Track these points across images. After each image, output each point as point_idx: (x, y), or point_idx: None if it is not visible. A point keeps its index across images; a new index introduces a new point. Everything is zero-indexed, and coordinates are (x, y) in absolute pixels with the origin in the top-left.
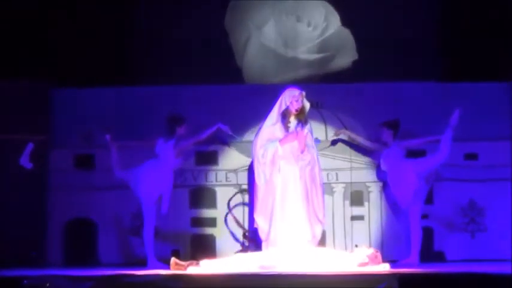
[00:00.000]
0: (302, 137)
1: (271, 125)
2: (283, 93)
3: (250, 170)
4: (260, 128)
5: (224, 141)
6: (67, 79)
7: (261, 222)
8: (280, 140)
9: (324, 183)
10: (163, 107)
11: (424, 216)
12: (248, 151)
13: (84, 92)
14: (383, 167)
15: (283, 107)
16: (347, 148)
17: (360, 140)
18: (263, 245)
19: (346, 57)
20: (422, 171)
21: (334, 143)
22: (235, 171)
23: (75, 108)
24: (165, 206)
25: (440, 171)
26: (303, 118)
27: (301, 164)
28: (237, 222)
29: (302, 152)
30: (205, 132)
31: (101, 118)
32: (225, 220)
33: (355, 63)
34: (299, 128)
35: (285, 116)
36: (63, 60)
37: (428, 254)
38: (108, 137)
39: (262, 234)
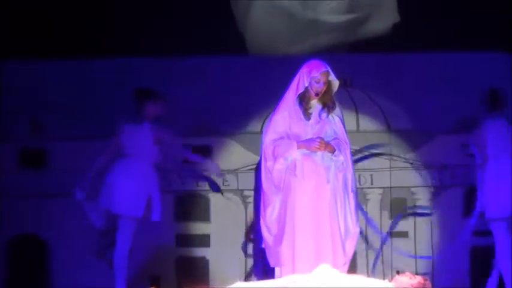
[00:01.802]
0: (329, 147)
1: (286, 111)
2: (301, 70)
3: (257, 171)
4: (272, 116)
5: (213, 186)
6: (11, 49)
7: (270, 241)
8: (299, 142)
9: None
10: (140, 86)
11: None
12: (253, 145)
13: (33, 65)
14: (472, 149)
15: (301, 89)
16: (386, 140)
17: None
18: (276, 271)
19: (384, 20)
20: None
21: None
22: (235, 171)
23: (22, 87)
24: (157, 211)
25: None
26: (329, 101)
27: (330, 165)
28: None
29: (333, 152)
30: (189, 154)
31: (57, 100)
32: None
33: (395, 27)
34: (324, 115)
35: (303, 99)
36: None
37: None
38: (79, 195)
39: (271, 257)
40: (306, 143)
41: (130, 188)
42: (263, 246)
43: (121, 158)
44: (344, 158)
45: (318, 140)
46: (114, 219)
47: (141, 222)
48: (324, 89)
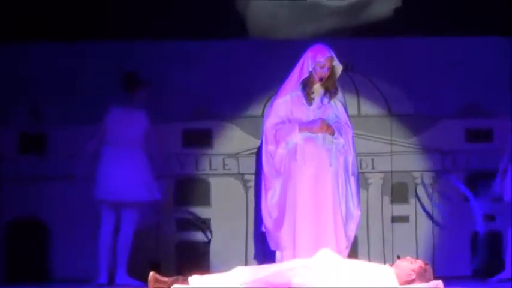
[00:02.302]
0: (330, 129)
1: (288, 95)
2: (305, 55)
3: (258, 155)
4: (274, 99)
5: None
6: (10, 33)
7: (270, 224)
8: (300, 125)
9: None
10: (135, 69)
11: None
12: (253, 129)
13: (33, 50)
14: None
15: (305, 74)
16: (387, 125)
17: None
18: (276, 255)
19: (386, 4)
20: None
21: None
22: (236, 156)
23: (21, 71)
24: (156, 191)
25: None
26: (331, 86)
27: (331, 147)
28: None
29: (333, 134)
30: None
31: (56, 85)
32: None
33: (397, 11)
34: (326, 101)
35: (306, 83)
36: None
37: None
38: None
39: (271, 241)
40: (308, 125)
41: (130, 174)
42: (263, 229)
43: (114, 146)
44: (345, 140)
45: (320, 120)
46: (117, 207)
47: (142, 207)
48: (328, 74)
